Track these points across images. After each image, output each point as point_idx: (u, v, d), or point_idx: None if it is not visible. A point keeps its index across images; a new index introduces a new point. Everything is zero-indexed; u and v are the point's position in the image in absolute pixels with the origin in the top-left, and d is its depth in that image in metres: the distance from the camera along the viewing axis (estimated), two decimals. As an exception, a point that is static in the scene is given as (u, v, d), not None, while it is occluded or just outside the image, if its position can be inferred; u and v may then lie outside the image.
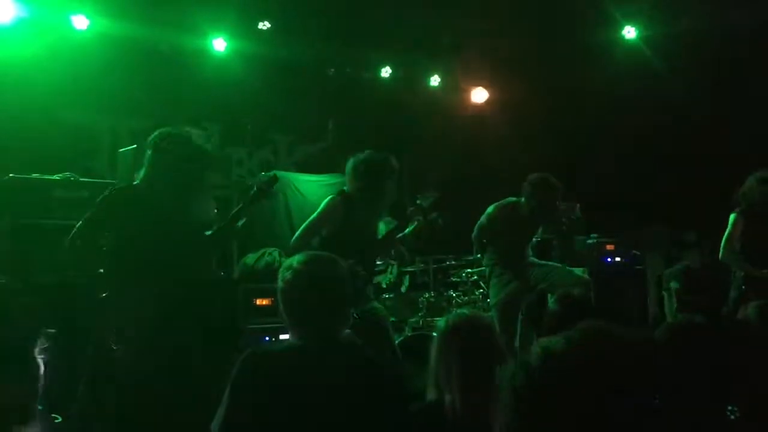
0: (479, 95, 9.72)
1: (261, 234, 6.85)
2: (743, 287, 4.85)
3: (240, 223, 4.01)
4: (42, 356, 3.99)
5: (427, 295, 6.85)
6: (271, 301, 5.12)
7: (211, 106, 8.21)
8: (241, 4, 7.71)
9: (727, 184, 5.39)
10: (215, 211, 4.42)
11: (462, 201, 6.82)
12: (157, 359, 3.53)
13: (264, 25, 7.96)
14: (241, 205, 4.06)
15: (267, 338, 5.14)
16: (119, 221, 3.74)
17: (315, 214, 4.74)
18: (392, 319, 5.50)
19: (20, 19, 6.60)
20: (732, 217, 5.23)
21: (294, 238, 4.69)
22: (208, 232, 4.02)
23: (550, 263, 5.79)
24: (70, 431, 3.77)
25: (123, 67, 7.14)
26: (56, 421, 3.82)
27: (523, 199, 5.52)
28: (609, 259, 7.27)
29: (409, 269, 7.47)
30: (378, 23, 8.19)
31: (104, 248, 3.77)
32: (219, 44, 7.73)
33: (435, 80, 9.36)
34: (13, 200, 5.10)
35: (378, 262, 5.98)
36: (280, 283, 2.58)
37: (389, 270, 7.21)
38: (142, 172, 3.87)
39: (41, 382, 3.60)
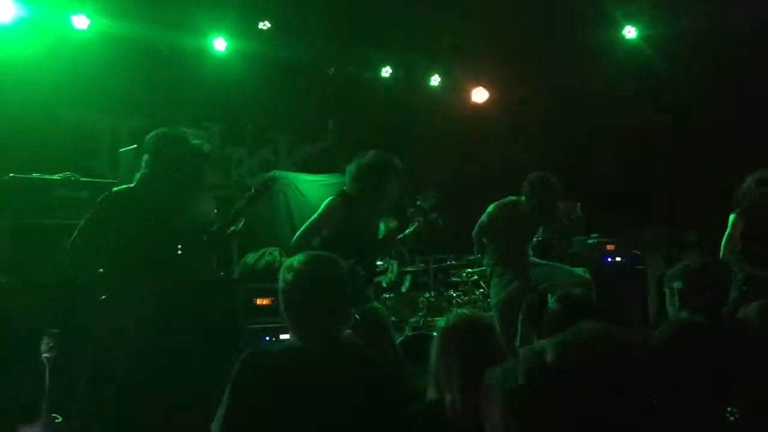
0: (479, 95, 9.72)
1: (261, 234, 6.85)
2: (744, 287, 4.85)
3: (239, 225, 4.01)
4: (47, 355, 4.00)
5: (427, 295, 6.85)
6: (272, 300, 5.12)
7: (211, 106, 8.21)
8: (241, 4, 7.71)
9: (727, 184, 5.39)
10: (215, 210, 4.42)
11: (462, 201, 6.82)
12: (157, 359, 3.53)
13: (264, 25, 7.96)
14: (238, 206, 4.07)
15: (267, 338, 5.14)
16: (119, 222, 3.74)
17: (315, 215, 4.74)
18: (393, 318, 5.50)
19: (20, 19, 6.59)
20: (732, 217, 5.23)
21: (294, 238, 4.69)
22: (209, 232, 4.02)
23: (551, 263, 5.78)
24: (70, 431, 3.77)
25: (123, 66, 7.14)
26: (56, 420, 3.83)
27: (523, 199, 5.52)
28: (609, 259, 7.27)
29: (410, 269, 7.48)
30: (378, 23, 8.19)
31: (104, 249, 3.76)
32: (219, 44, 7.73)
33: (435, 80, 9.36)
34: (14, 200, 5.10)
35: (378, 262, 5.97)
36: (280, 283, 2.58)
37: (390, 269, 7.22)
38: (139, 174, 3.87)
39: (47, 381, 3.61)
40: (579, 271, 5.78)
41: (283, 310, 2.57)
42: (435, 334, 2.80)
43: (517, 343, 5.16)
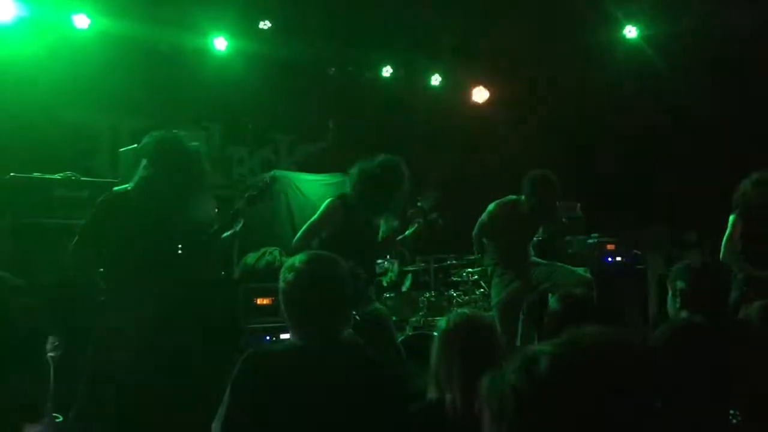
0: (480, 95, 9.71)
1: (262, 233, 6.85)
2: (744, 288, 4.84)
3: (237, 226, 4.01)
4: (52, 354, 4.00)
5: (427, 295, 6.85)
6: (272, 300, 5.12)
7: (211, 106, 8.21)
8: (241, 4, 7.71)
9: (727, 184, 5.38)
10: (216, 210, 4.42)
11: (462, 200, 6.82)
12: (157, 359, 3.53)
13: (265, 25, 7.96)
14: (237, 206, 4.07)
15: (268, 337, 5.13)
16: (119, 222, 3.74)
17: (315, 217, 4.74)
18: (393, 318, 5.50)
19: (21, 18, 6.60)
20: (731, 218, 5.23)
21: (294, 240, 4.71)
22: (209, 232, 4.02)
23: (552, 263, 5.76)
24: (70, 431, 3.77)
25: (124, 66, 7.14)
26: (57, 420, 3.83)
27: (523, 197, 5.51)
28: (610, 259, 7.27)
29: (411, 268, 7.48)
30: (379, 23, 8.19)
31: (105, 249, 3.76)
32: (220, 43, 7.74)
33: (436, 80, 9.36)
34: (14, 199, 5.09)
35: (378, 261, 5.97)
36: (281, 283, 2.58)
37: (390, 269, 7.22)
38: (137, 177, 3.86)
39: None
40: (580, 270, 5.77)
41: (283, 309, 2.57)
42: (435, 333, 2.80)
43: (518, 343, 5.16)
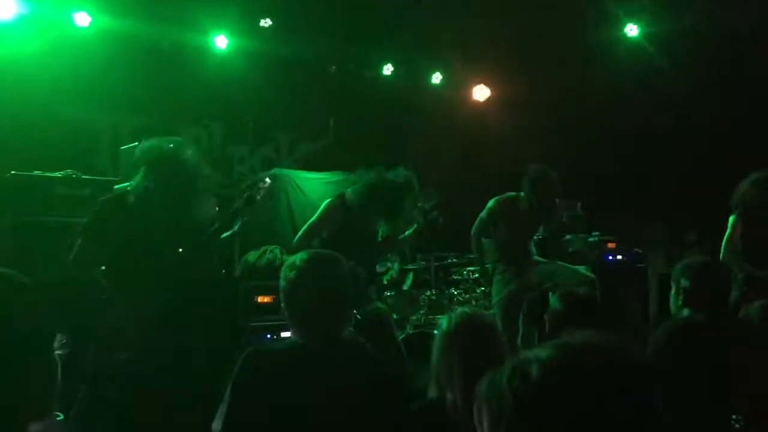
0: (481, 93, 9.71)
1: (262, 232, 6.85)
2: (745, 288, 4.84)
3: (236, 225, 4.01)
4: (59, 352, 4.01)
5: (428, 293, 6.85)
6: (273, 298, 5.12)
7: (212, 104, 8.22)
8: (242, 2, 7.71)
9: (727, 184, 5.38)
10: (216, 209, 4.42)
11: (463, 199, 6.82)
12: (157, 358, 3.53)
13: (266, 23, 7.95)
14: (237, 205, 4.07)
15: (269, 336, 5.14)
16: (120, 222, 3.74)
17: (315, 217, 4.75)
18: (394, 316, 5.50)
19: (22, 16, 6.60)
20: (731, 218, 5.23)
21: (295, 239, 4.72)
22: (209, 232, 4.02)
23: (554, 261, 5.73)
24: (71, 430, 3.78)
25: (124, 64, 7.14)
26: (58, 418, 3.83)
27: (522, 194, 5.49)
28: (610, 257, 7.27)
29: (411, 267, 7.48)
30: (380, 21, 8.19)
31: (107, 248, 3.77)
32: (221, 41, 7.73)
33: (437, 78, 9.36)
34: (15, 197, 5.09)
35: (380, 262, 5.98)
36: (282, 282, 2.58)
37: (391, 267, 7.23)
38: (136, 182, 3.86)
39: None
40: (581, 269, 5.75)
41: (284, 307, 2.57)
42: (436, 332, 2.80)
43: (519, 342, 5.17)
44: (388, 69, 9.00)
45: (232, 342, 4.85)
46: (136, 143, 5.43)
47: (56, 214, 5.04)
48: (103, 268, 3.84)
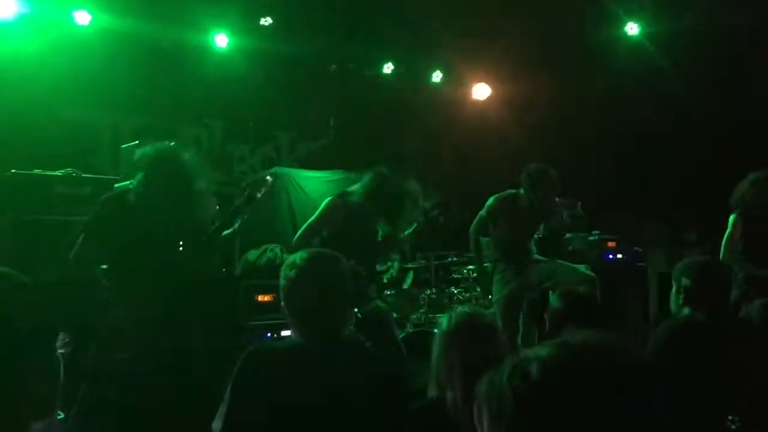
0: (481, 91, 9.71)
1: (263, 230, 6.85)
2: (745, 287, 4.85)
3: (236, 224, 4.01)
4: (62, 351, 4.01)
5: (428, 292, 6.85)
6: (273, 297, 5.12)
7: (212, 103, 8.22)
8: (243, 0, 7.71)
9: (727, 184, 5.38)
10: (216, 208, 4.43)
11: (463, 197, 6.83)
12: (158, 358, 3.53)
13: (266, 21, 7.96)
14: (237, 204, 4.08)
15: (269, 334, 5.15)
16: (121, 221, 3.75)
17: (315, 216, 4.75)
18: (394, 315, 5.50)
19: (22, 15, 6.60)
20: (732, 218, 5.23)
21: (295, 238, 4.71)
22: (209, 231, 4.02)
23: (554, 260, 5.72)
24: (71, 429, 3.78)
25: (125, 63, 7.14)
26: (59, 417, 3.83)
27: (522, 191, 5.48)
28: (611, 256, 7.27)
29: (412, 266, 7.48)
30: (380, 20, 8.19)
31: (107, 247, 3.77)
32: (221, 40, 7.74)
33: (437, 77, 9.36)
34: (15, 196, 5.09)
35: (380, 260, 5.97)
36: (282, 281, 2.57)
37: (391, 266, 7.23)
38: (135, 183, 3.86)
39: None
40: (582, 268, 5.74)
41: (284, 306, 2.56)
42: (436, 331, 2.80)
43: (519, 341, 5.16)
44: (388, 68, 9.00)
45: (233, 341, 4.86)
46: (137, 142, 5.44)
47: (56, 212, 5.04)
48: (104, 267, 3.84)
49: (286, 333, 4.85)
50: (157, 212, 3.75)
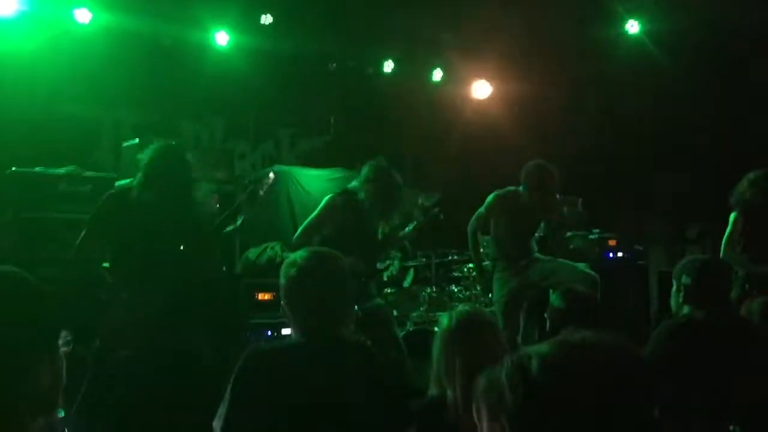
0: (482, 89, 9.70)
1: (263, 228, 6.86)
2: (745, 285, 4.85)
3: (237, 222, 4.02)
4: (65, 349, 4.01)
5: (428, 290, 6.85)
6: (273, 295, 5.12)
7: (213, 100, 8.23)
8: (243, -2, 7.71)
9: (727, 183, 5.38)
10: (217, 205, 4.44)
11: (463, 195, 6.82)
12: (158, 357, 3.54)
13: (266, 19, 7.95)
14: (239, 202, 4.08)
15: (269, 333, 5.15)
16: (123, 218, 3.75)
17: (315, 213, 4.75)
18: (395, 313, 5.50)
19: (22, 13, 6.59)
20: (732, 216, 5.23)
21: (295, 236, 4.71)
22: (209, 230, 4.02)
23: (555, 259, 5.71)
24: (72, 427, 3.78)
25: (125, 61, 7.14)
26: (60, 415, 3.84)
27: (521, 188, 5.46)
28: (611, 255, 7.27)
29: (412, 264, 7.49)
30: (380, 17, 8.18)
31: (109, 246, 3.78)
32: (221, 38, 7.73)
33: (437, 74, 9.36)
34: (17, 194, 5.10)
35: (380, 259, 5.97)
36: (282, 279, 2.56)
37: (392, 264, 7.23)
38: (136, 182, 3.86)
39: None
40: (581, 266, 5.73)
41: (284, 305, 2.56)
42: (436, 329, 2.80)
43: (519, 340, 5.16)
44: (388, 65, 8.99)
45: (233, 340, 4.86)
46: (137, 140, 5.44)
47: (57, 210, 5.05)
48: (107, 265, 3.85)
49: (286, 332, 4.85)
50: (158, 211, 3.75)
